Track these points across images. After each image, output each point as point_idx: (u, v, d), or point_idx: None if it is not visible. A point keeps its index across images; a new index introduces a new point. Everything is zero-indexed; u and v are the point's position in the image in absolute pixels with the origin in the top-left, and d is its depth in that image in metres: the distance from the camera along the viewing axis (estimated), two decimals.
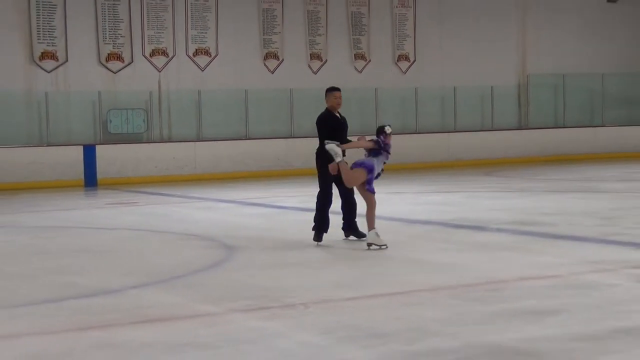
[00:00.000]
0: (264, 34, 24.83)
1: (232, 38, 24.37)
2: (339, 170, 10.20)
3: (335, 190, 10.64)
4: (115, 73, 23.08)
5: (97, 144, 22.14)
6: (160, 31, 23.58)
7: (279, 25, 24.96)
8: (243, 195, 17.77)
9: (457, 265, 8.91)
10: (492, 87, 27.46)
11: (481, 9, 27.79)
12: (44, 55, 22.35)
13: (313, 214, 10.71)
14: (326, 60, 25.54)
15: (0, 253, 10.91)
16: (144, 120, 23.03)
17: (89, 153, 21.73)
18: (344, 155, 10.20)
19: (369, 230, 10.06)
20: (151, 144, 22.88)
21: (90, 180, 21.56)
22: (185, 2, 23.84)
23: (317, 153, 10.67)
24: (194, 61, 24.03)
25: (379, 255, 9.83)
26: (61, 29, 22.45)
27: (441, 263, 9.15)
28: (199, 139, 23.54)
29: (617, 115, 29.13)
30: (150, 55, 23.50)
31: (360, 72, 26.00)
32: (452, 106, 26.89)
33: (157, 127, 23.43)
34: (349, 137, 10.78)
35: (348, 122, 10.90)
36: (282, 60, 25.03)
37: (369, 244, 10.02)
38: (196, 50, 24.04)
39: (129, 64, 23.23)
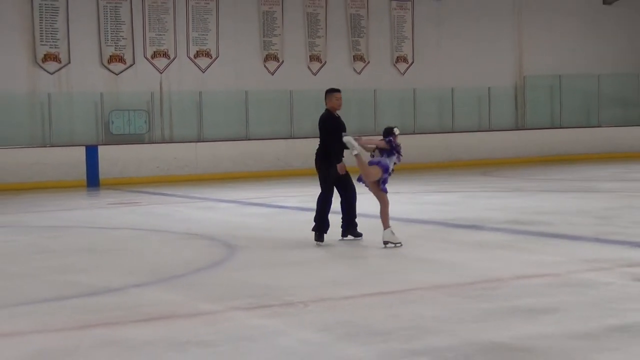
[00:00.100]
0: (264, 36, 24.84)
1: (232, 40, 24.38)
2: (327, 173, 10.21)
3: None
4: (117, 74, 23.09)
5: (99, 145, 22.15)
6: (161, 33, 23.58)
7: (278, 27, 24.96)
8: (243, 195, 17.77)
9: (455, 264, 8.91)
10: (489, 88, 27.47)
11: (478, 11, 27.81)
12: (47, 57, 22.35)
13: (313, 213, 10.71)
14: (325, 62, 25.55)
15: (4, 252, 10.91)
16: (145, 121, 23.03)
17: (92, 154, 21.73)
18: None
19: (384, 229, 10.09)
20: (153, 145, 22.89)
21: (93, 180, 21.57)
22: (187, 4, 23.85)
23: (317, 154, 10.66)
24: (195, 63, 24.04)
25: (378, 255, 9.84)
26: (64, 31, 22.46)
27: (439, 262, 9.15)
28: (200, 139, 23.54)
29: (613, 115, 29.14)
30: (152, 57, 23.51)
31: (359, 73, 26.01)
32: (450, 107, 26.90)
33: (159, 128, 23.43)
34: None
35: (345, 123, 10.91)
36: (282, 61, 25.04)
37: (385, 242, 10.05)
38: (197, 52, 24.05)
39: (131, 65, 23.24)
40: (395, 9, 26.69)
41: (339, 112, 10.79)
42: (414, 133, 25.64)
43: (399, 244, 10.03)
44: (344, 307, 7.09)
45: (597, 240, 10.26)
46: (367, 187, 10.31)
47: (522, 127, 28.13)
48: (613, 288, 7.49)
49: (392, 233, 10.07)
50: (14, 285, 8.56)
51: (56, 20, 22.39)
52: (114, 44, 23.04)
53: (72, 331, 6.49)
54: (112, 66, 23.05)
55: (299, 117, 24.54)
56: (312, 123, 23.03)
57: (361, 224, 10.85)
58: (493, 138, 26.82)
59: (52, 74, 22.41)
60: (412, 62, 26.89)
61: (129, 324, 6.66)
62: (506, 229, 11.44)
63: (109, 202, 17.43)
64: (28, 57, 22.24)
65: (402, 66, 26.78)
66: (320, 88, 24.80)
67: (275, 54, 24.99)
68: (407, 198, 15.84)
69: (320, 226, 10.51)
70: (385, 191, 10.21)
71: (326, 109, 10.69)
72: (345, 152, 10.57)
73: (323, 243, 10.44)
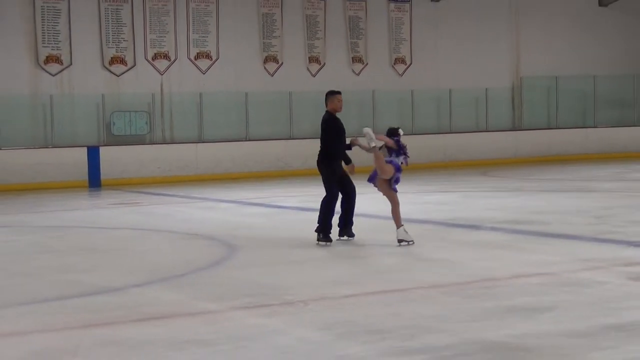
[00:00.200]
0: (263, 38, 24.82)
1: (232, 41, 24.36)
2: (343, 172, 10.20)
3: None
4: (118, 76, 23.07)
5: (100, 146, 22.13)
6: (162, 35, 23.56)
7: (278, 29, 24.95)
8: (243, 195, 17.76)
9: (454, 263, 8.90)
10: (486, 89, 27.46)
11: (476, 13, 27.80)
12: (49, 59, 22.33)
13: (311, 213, 10.70)
14: (324, 64, 25.54)
15: (6, 252, 10.89)
16: (146, 122, 23.01)
17: (93, 154, 21.71)
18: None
19: (397, 228, 10.13)
20: (154, 146, 22.88)
21: (94, 181, 21.54)
22: (187, 6, 23.83)
23: (321, 156, 10.57)
24: (195, 64, 24.01)
25: (378, 254, 9.84)
26: (65, 33, 22.44)
27: (438, 261, 9.14)
28: (200, 140, 23.52)
29: (609, 116, 29.14)
30: (153, 59, 23.48)
31: (358, 74, 26.00)
32: (448, 108, 26.89)
33: (160, 129, 23.42)
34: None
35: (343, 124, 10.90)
36: (282, 63, 25.02)
37: (400, 241, 10.08)
38: (197, 53, 24.03)
39: (132, 67, 23.22)
40: (393, 10, 26.68)
41: (338, 114, 10.78)
42: (412, 134, 25.59)
43: (411, 242, 10.08)
44: (344, 306, 7.07)
45: (594, 239, 10.26)
46: (376, 187, 10.32)
47: (519, 128, 28.12)
48: (610, 287, 7.48)
49: (405, 231, 10.13)
50: (15, 284, 8.54)
51: (58, 23, 22.37)
52: (115, 46, 23.02)
53: (73, 330, 6.47)
54: (113, 68, 23.03)
55: (298, 118, 24.52)
56: (311, 124, 23.28)
57: (361, 223, 10.84)
58: (490, 138, 26.81)
59: (54, 75, 22.39)
60: (410, 64, 26.88)
61: (129, 324, 6.64)
62: (504, 228, 11.43)
63: (110, 202, 17.41)
64: (30, 59, 22.22)
65: (400, 67, 26.77)
66: (319, 89, 24.86)
67: (275, 55, 24.97)
68: (406, 198, 15.78)
69: (326, 227, 10.44)
70: (396, 190, 10.24)
71: (327, 111, 10.68)
72: (349, 152, 10.56)
73: (331, 243, 10.36)
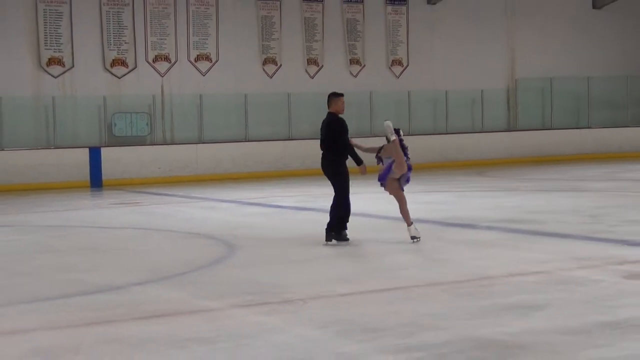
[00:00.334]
0: (262, 40, 24.81)
1: (232, 44, 24.35)
2: (343, 174, 10.23)
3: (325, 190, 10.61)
4: (119, 78, 23.06)
5: (102, 147, 22.12)
6: (162, 38, 23.56)
7: (277, 31, 24.94)
8: (243, 195, 17.75)
9: (449, 262, 8.90)
10: (482, 91, 27.46)
11: (471, 16, 27.80)
12: (51, 61, 22.32)
13: (310, 212, 10.70)
14: (322, 66, 25.54)
15: (9, 251, 10.88)
16: (147, 124, 23.01)
17: (95, 155, 21.70)
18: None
19: (408, 226, 10.22)
20: (154, 146, 22.87)
21: (96, 181, 21.54)
22: (187, 9, 23.83)
23: (328, 158, 10.50)
24: (195, 66, 24.01)
25: (375, 253, 9.84)
26: (67, 35, 22.43)
27: (434, 260, 9.15)
28: (200, 141, 23.52)
29: (603, 117, 29.15)
30: (154, 61, 23.48)
31: (355, 76, 25.99)
32: (444, 109, 26.89)
33: (160, 130, 23.41)
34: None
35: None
36: (280, 65, 25.02)
37: (413, 237, 10.17)
38: (197, 56, 24.02)
39: (133, 69, 23.21)
40: (390, 13, 26.68)
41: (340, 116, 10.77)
42: (409, 134, 25.52)
43: (420, 239, 10.18)
44: (342, 304, 7.07)
45: (588, 238, 10.26)
46: (384, 187, 10.36)
47: (514, 129, 28.12)
48: (603, 285, 7.48)
49: (416, 228, 10.23)
50: (18, 283, 8.53)
51: (60, 25, 22.36)
52: (116, 48, 23.01)
53: (75, 328, 6.47)
54: (114, 70, 23.02)
55: (297, 119, 24.53)
56: (309, 125, 23.29)
57: (360, 223, 10.82)
58: (486, 139, 26.81)
59: (56, 77, 22.38)
60: (407, 66, 26.88)
61: (131, 322, 6.63)
62: (499, 227, 11.43)
63: (112, 202, 17.40)
64: (33, 61, 22.21)
65: (397, 69, 26.77)
66: (317, 91, 24.91)
67: (274, 57, 24.97)
68: None
69: (341, 226, 10.41)
70: (402, 189, 10.33)
71: (330, 112, 10.65)
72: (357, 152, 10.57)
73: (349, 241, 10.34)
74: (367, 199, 12.57)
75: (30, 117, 22.12)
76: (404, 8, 26.82)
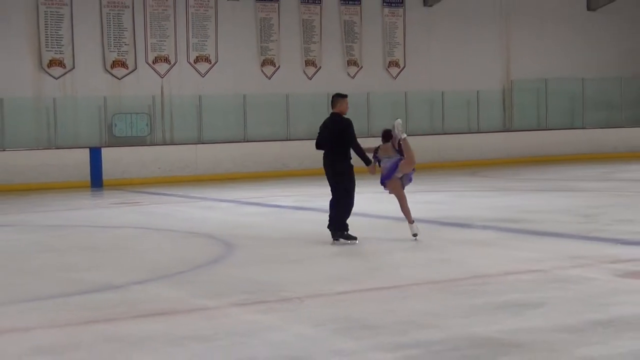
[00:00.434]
0: (261, 42, 24.81)
1: (231, 45, 24.35)
2: (349, 173, 10.26)
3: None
4: (119, 79, 23.05)
5: (102, 147, 22.12)
6: (162, 39, 23.55)
7: (275, 33, 24.94)
8: (242, 195, 17.74)
9: (445, 261, 8.90)
10: (478, 92, 27.47)
11: (467, 18, 27.82)
12: (52, 63, 22.31)
13: (308, 212, 10.69)
14: (320, 67, 25.54)
15: (10, 251, 10.87)
16: (147, 124, 23.00)
17: (95, 155, 21.69)
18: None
19: (411, 223, 10.34)
20: (154, 147, 22.86)
21: (96, 181, 21.53)
22: (187, 11, 23.82)
23: (334, 157, 10.47)
24: (194, 68, 24.00)
25: (372, 252, 9.84)
26: (68, 37, 22.42)
27: (430, 259, 9.14)
28: (200, 141, 23.51)
29: (597, 118, 29.16)
30: (153, 62, 23.47)
31: (353, 77, 25.99)
32: (440, 110, 26.90)
33: (160, 131, 23.40)
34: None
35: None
36: (279, 66, 25.01)
37: (415, 234, 10.28)
38: (197, 57, 24.02)
39: (133, 70, 23.20)
40: (387, 15, 26.68)
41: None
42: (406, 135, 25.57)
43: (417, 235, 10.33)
44: (339, 302, 7.07)
45: (582, 237, 10.26)
46: (387, 189, 10.44)
47: (509, 129, 28.13)
48: (597, 284, 7.49)
49: (417, 226, 10.35)
50: (19, 282, 8.52)
51: (61, 27, 22.35)
52: (116, 50, 23.00)
53: (75, 327, 6.47)
54: (115, 71, 23.01)
55: (295, 119, 24.53)
56: (308, 125, 23.28)
57: (359, 222, 10.81)
58: (482, 140, 26.82)
59: (57, 78, 22.37)
60: (404, 67, 26.88)
61: (130, 320, 6.63)
62: (495, 227, 11.43)
63: (112, 202, 17.39)
64: (34, 62, 22.20)
65: (394, 70, 26.77)
66: (315, 92, 24.91)
67: (272, 59, 24.96)
68: None
69: (343, 225, 10.41)
70: (403, 188, 10.46)
71: (336, 113, 10.62)
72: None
73: (357, 241, 10.33)
74: (367, 198, 12.57)
75: (31, 118, 22.11)
76: (400, 10, 26.82)
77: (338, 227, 10.35)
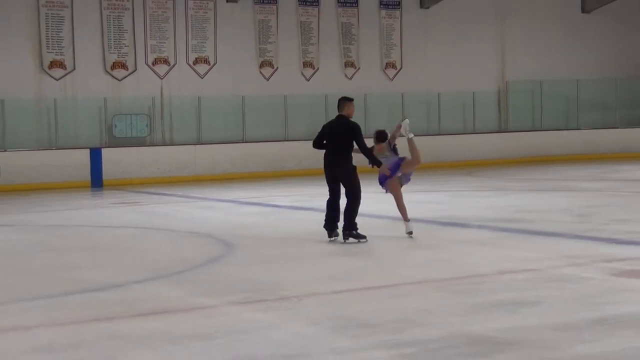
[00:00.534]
0: (259, 43, 24.80)
1: (229, 47, 24.34)
2: (353, 174, 10.30)
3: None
4: (120, 80, 23.04)
5: (103, 148, 22.10)
6: (162, 41, 23.53)
7: (273, 35, 24.93)
8: (241, 195, 17.73)
9: (442, 260, 8.90)
10: (473, 93, 27.48)
11: (463, 20, 27.81)
12: (53, 64, 22.29)
13: (307, 212, 10.69)
14: (318, 68, 25.53)
15: (11, 250, 10.86)
16: (147, 125, 22.99)
17: (95, 156, 21.67)
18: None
19: (407, 221, 10.47)
20: (154, 147, 22.84)
21: (97, 181, 21.51)
22: (186, 13, 23.81)
23: (328, 158, 10.48)
24: (194, 69, 23.99)
25: (369, 251, 9.84)
26: (69, 39, 22.40)
27: (426, 258, 9.14)
28: (199, 142, 23.49)
29: (592, 119, 29.16)
30: (153, 64, 23.45)
31: (350, 79, 25.99)
32: (437, 111, 26.90)
33: (160, 131, 23.38)
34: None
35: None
36: (277, 68, 25.00)
37: (410, 232, 10.42)
38: (196, 58, 24.00)
39: (133, 71, 23.18)
40: (384, 17, 26.68)
41: (328, 116, 10.79)
42: (402, 136, 25.55)
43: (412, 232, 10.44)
44: (337, 301, 7.07)
45: (577, 237, 10.26)
46: (385, 189, 10.48)
47: (505, 130, 28.13)
48: (592, 282, 7.49)
49: (412, 224, 10.49)
50: (21, 281, 8.51)
51: (62, 29, 22.33)
52: (116, 51, 22.98)
53: (76, 325, 6.46)
54: (115, 72, 22.99)
55: (293, 120, 24.52)
56: (306, 126, 23.29)
57: (359, 222, 10.78)
58: (477, 140, 26.82)
59: (57, 80, 22.35)
60: (401, 68, 26.88)
61: (130, 319, 6.63)
62: (490, 226, 11.44)
63: (112, 202, 17.38)
64: (35, 63, 22.18)
65: (391, 72, 26.77)
66: (313, 93, 24.91)
67: (271, 60, 24.95)
68: None
69: (354, 225, 10.40)
70: (400, 186, 10.60)
71: (343, 115, 10.63)
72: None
73: (367, 239, 10.31)
74: (366, 198, 12.53)
75: (32, 119, 22.08)
76: (397, 12, 26.82)
77: (348, 226, 10.33)
